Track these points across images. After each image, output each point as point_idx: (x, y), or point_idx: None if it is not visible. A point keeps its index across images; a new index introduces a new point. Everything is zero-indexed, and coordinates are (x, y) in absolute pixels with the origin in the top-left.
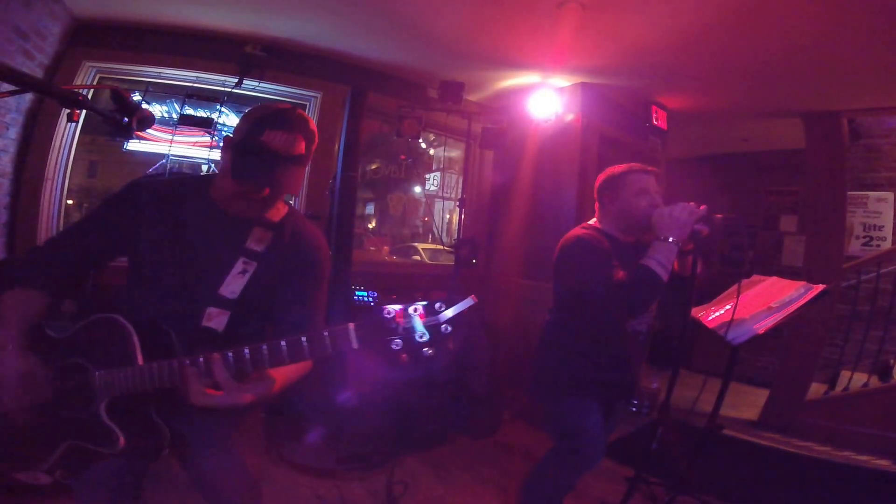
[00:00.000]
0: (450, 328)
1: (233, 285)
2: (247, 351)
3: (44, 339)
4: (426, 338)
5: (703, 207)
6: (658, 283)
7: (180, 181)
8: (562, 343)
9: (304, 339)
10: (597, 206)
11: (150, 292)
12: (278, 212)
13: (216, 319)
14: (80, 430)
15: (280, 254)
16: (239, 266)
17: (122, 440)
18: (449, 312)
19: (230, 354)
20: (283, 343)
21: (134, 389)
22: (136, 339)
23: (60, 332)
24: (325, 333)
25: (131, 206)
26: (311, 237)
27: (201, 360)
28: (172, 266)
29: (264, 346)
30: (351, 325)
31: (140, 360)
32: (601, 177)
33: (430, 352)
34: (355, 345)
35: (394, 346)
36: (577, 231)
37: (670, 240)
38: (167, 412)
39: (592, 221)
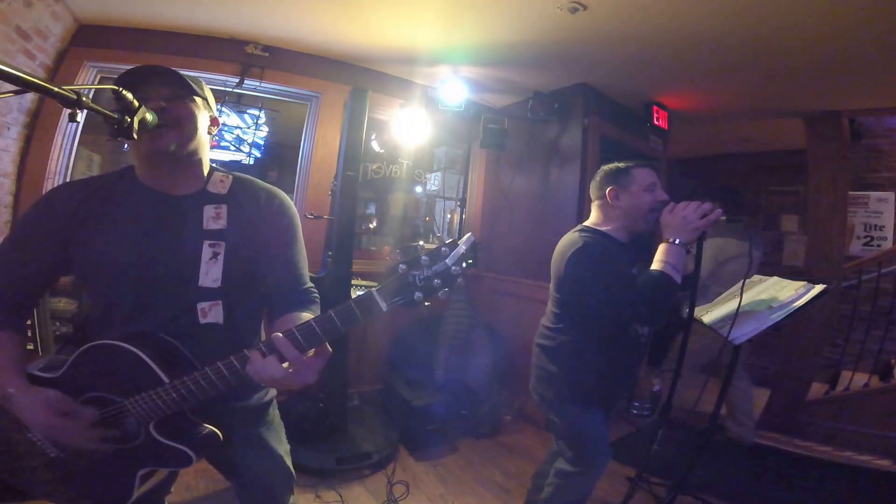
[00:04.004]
0: (458, 268)
1: (211, 273)
2: (304, 327)
3: (43, 381)
4: (440, 282)
5: (712, 207)
6: (675, 287)
7: (101, 176)
8: (566, 353)
9: (332, 312)
10: (596, 205)
11: (127, 304)
12: (223, 184)
13: (212, 313)
14: (145, 457)
15: (245, 223)
16: (207, 252)
17: (192, 455)
18: (455, 253)
19: (294, 332)
20: (332, 313)
21: (178, 406)
22: (147, 359)
23: (50, 371)
24: (351, 303)
25: (61, 214)
26: (270, 196)
27: (235, 360)
28: (138, 268)
29: (313, 322)
30: (373, 290)
31: (165, 378)
32: (602, 174)
33: (445, 293)
34: (384, 307)
35: (416, 298)
36: (577, 236)
37: (677, 242)
38: (202, 418)
39: (589, 223)
